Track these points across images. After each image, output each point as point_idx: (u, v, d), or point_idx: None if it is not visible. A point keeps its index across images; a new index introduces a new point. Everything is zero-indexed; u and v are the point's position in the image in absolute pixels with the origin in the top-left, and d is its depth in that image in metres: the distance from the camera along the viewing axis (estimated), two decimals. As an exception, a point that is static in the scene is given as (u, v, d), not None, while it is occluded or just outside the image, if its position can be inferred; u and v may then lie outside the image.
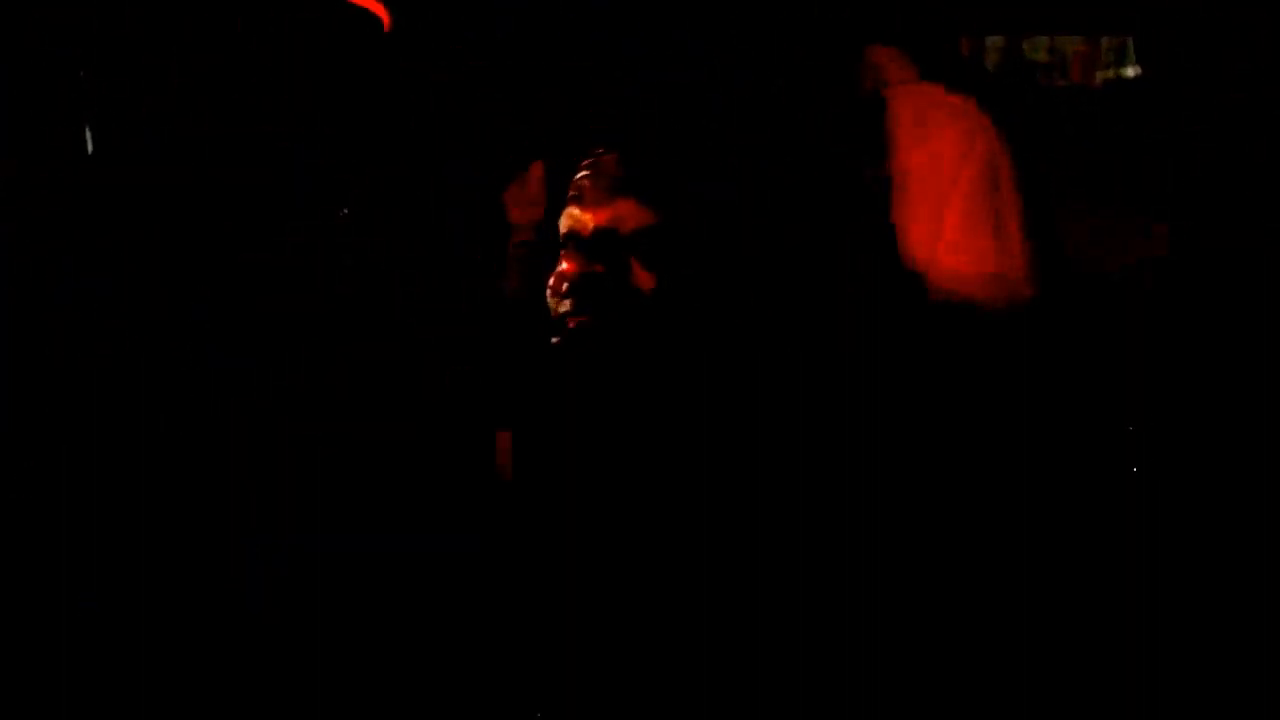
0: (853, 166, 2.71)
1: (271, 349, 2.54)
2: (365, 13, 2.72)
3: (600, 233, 2.21)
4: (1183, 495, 2.52)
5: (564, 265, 2.24)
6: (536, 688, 2.33)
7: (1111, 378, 2.62)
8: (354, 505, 2.49)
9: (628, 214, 2.22)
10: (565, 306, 2.23)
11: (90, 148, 2.62)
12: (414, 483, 2.51)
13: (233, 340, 2.54)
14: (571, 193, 2.26)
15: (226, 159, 2.60)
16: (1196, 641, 2.46)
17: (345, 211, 2.65)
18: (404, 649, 2.44)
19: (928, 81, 2.84)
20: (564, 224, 2.26)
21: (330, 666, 2.44)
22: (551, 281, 2.25)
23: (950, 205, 2.71)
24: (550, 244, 2.57)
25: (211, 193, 2.59)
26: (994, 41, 3.84)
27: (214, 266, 2.57)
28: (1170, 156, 2.81)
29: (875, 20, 2.90)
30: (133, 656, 2.45)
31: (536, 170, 2.74)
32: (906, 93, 2.81)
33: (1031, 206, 2.75)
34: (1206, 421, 2.56)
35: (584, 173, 2.25)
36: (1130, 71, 3.64)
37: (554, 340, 2.22)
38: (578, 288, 2.21)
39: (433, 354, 2.58)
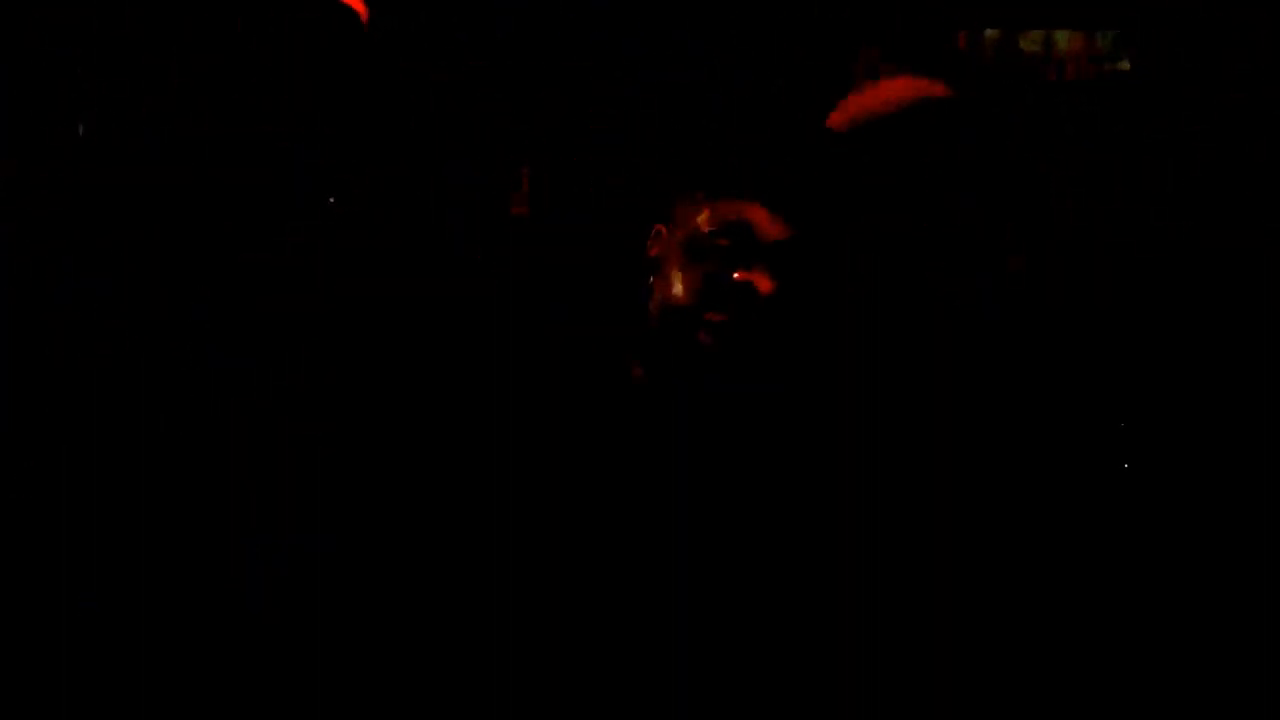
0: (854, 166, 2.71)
1: (271, 349, 2.54)
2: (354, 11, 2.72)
3: (781, 244, 2.26)
4: (1182, 496, 2.52)
5: (737, 274, 2.27)
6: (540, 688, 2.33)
7: (1109, 378, 2.62)
8: (354, 505, 2.49)
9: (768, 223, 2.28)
10: (713, 310, 2.27)
11: (81, 131, 2.62)
12: (414, 483, 2.51)
13: (233, 340, 2.53)
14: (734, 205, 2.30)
15: (226, 159, 2.60)
16: (1195, 643, 2.46)
17: (333, 200, 2.65)
18: (404, 649, 2.44)
19: (919, 77, 2.83)
20: (731, 229, 2.29)
21: (330, 666, 2.43)
22: (695, 285, 2.29)
23: None
24: (545, 242, 2.57)
25: (211, 193, 2.58)
26: (990, 35, 3.83)
27: (214, 266, 2.57)
28: (1170, 156, 2.81)
29: (873, 17, 2.90)
30: (133, 656, 2.44)
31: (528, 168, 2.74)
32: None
33: (1025, 203, 2.75)
34: (1206, 422, 2.56)
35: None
36: (1126, 65, 3.63)
37: (700, 339, 2.26)
38: (733, 293, 2.26)
39: (433, 354, 2.58)
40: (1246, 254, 2.68)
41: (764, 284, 2.29)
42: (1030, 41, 3.75)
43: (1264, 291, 2.60)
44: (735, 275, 2.28)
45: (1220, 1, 2.83)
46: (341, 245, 2.65)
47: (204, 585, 2.47)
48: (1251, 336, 2.59)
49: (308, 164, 2.65)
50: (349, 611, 2.46)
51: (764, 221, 2.30)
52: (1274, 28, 2.79)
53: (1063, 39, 3.67)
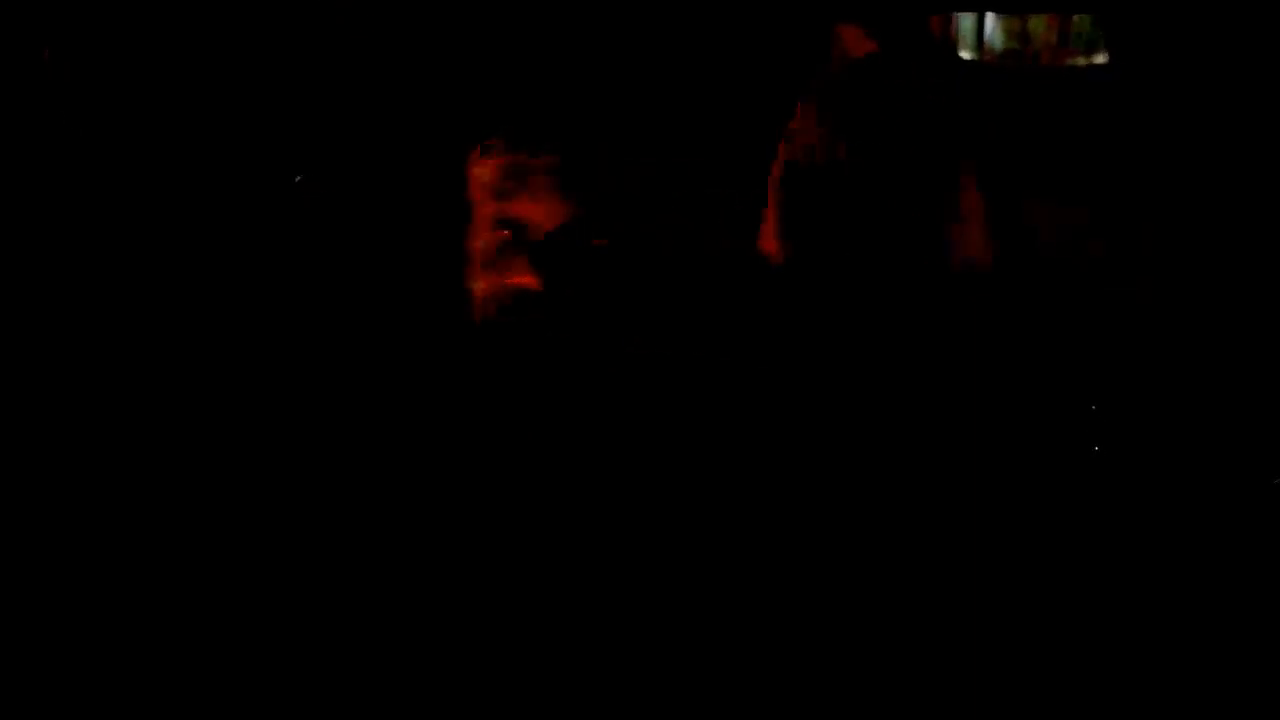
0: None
1: (271, 348, 2.54)
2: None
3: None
4: (1178, 498, 2.54)
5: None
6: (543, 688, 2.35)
7: (1096, 376, 2.64)
8: (354, 505, 2.50)
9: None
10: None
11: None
12: (413, 481, 2.52)
13: (233, 339, 2.54)
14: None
15: (218, 153, 2.60)
16: (1185, 643, 2.48)
17: (299, 179, 2.65)
18: (405, 650, 2.45)
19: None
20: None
21: (330, 666, 2.44)
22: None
23: None
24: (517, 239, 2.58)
25: (205, 188, 2.58)
26: (967, 22, 3.83)
27: (213, 263, 2.57)
28: (1157, 151, 2.82)
29: (847, 3, 2.91)
30: (133, 656, 2.45)
31: (496, 155, 2.73)
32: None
33: (991, 195, 2.76)
34: (1204, 424, 2.58)
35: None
36: (1101, 58, 3.65)
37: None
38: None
39: (429, 353, 2.58)
40: (1228, 245, 2.70)
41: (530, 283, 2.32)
42: (1005, 27, 3.76)
43: (1263, 291, 2.62)
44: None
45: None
46: (330, 239, 2.65)
47: (204, 585, 2.48)
48: (1250, 337, 2.61)
49: (300, 160, 2.65)
50: (349, 611, 2.46)
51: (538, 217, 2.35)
52: (1274, 27, 2.81)
53: (1038, 25, 3.68)
